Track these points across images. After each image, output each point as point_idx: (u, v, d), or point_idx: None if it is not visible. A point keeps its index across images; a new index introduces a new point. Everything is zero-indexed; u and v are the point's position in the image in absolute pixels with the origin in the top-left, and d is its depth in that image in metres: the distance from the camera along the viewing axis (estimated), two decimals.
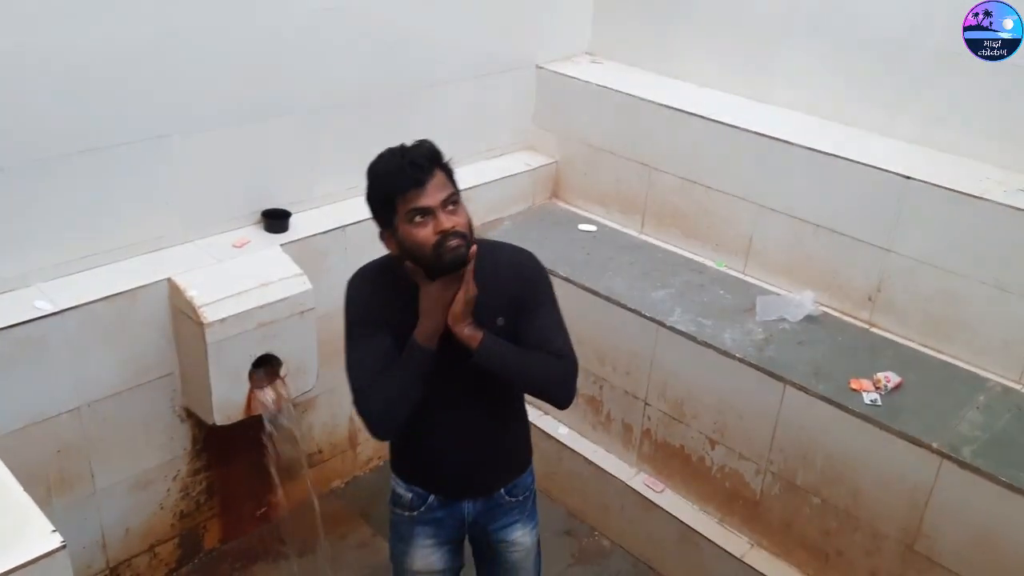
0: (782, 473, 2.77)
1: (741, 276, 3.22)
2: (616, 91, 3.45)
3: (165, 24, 2.49)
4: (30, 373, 2.40)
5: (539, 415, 3.46)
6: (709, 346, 2.82)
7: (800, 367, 2.70)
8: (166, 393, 2.73)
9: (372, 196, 1.88)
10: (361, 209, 3.08)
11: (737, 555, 2.89)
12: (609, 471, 3.22)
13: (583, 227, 3.55)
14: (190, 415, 2.80)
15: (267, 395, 2.71)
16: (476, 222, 3.56)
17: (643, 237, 3.50)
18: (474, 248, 1.82)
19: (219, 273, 2.64)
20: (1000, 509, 2.31)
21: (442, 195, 1.80)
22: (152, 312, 2.60)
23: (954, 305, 2.74)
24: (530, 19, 3.59)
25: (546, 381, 1.93)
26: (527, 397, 2.17)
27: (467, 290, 1.83)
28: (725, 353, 2.79)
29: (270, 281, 2.66)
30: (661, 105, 3.32)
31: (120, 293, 2.52)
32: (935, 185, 2.69)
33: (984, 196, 2.61)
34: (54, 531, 1.41)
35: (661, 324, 2.94)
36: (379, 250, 1.97)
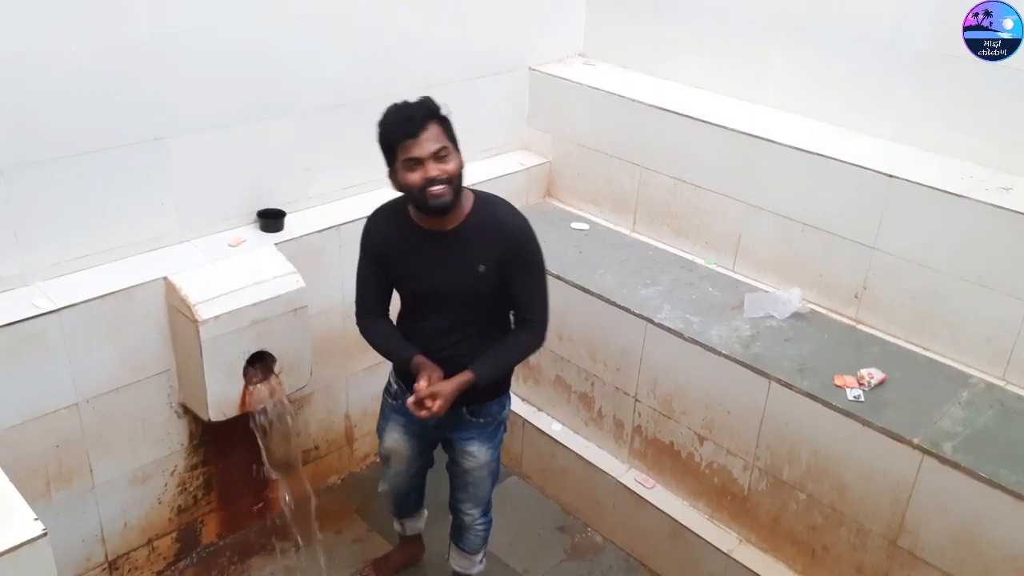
0: (769, 469, 2.80)
1: (730, 274, 3.26)
2: (608, 92, 3.49)
3: (162, 27, 2.55)
4: (30, 369, 2.46)
5: (533, 411, 3.51)
6: (696, 343, 2.86)
7: (786, 364, 2.73)
8: (163, 389, 2.78)
9: (380, 142, 2.22)
10: (355, 208, 3.14)
11: (726, 550, 2.92)
12: (601, 467, 3.26)
13: (576, 225, 3.59)
14: (187, 411, 2.85)
15: (262, 391, 2.76)
16: None
17: (635, 235, 3.54)
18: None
19: (214, 272, 2.70)
20: (981, 505, 2.33)
21: (434, 147, 2.14)
22: (149, 310, 2.65)
23: (938, 302, 2.76)
24: (523, 22, 3.64)
25: (525, 357, 2.46)
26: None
27: (439, 409, 2.23)
28: (712, 350, 2.82)
29: (264, 279, 2.71)
30: (652, 106, 3.36)
31: (117, 291, 2.57)
32: (919, 184, 2.72)
33: (967, 194, 2.64)
34: (36, 519, 1.46)
35: (650, 321, 2.98)
36: None
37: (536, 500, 3.48)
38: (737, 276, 3.24)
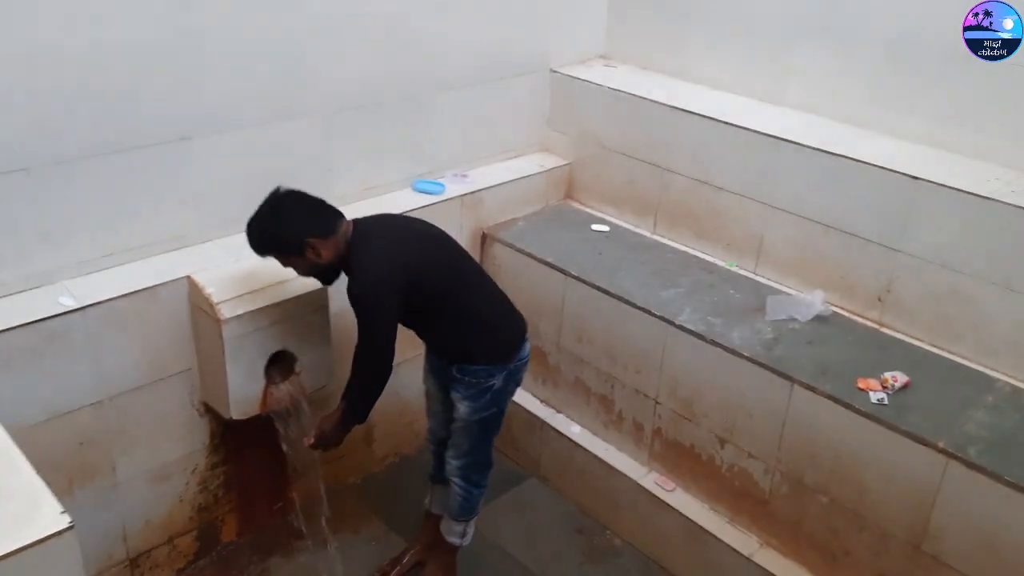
0: (790, 472, 2.78)
1: (752, 276, 3.24)
2: (629, 94, 3.49)
3: (186, 27, 2.56)
4: (54, 367, 2.47)
5: (552, 413, 3.51)
6: (718, 345, 2.85)
7: (808, 366, 2.71)
8: (185, 388, 2.80)
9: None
10: (377, 209, 3.14)
11: (746, 554, 2.90)
12: (620, 470, 3.25)
13: (596, 227, 3.58)
14: (208, 410, 2.87)
15: (283, 390, 2.77)
16: (491, 221, 3.67)
17: (655, 237, 3.53)
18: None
19: (237, 271, 2.71)
20: (1006, 510, 2.31)
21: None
22: (172, 309, 2.67)
23: (963, 305, 2.74)
24: (545, 24, 3.64)
25: (357, 374, 2.59)
26: None
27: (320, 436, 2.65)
28: (733, 352, 2.81)
29: (286, 279, 2.71)
30: (673, 108, 3.35)
31: (141, 290, 2.59)
32: (944, 186, 2.70)
33: (993, 196, 2.62)
34: (63, 512, 1.47)
35: (671, 323, 2.96)
36: None
37: (555, 502, 3.48)
38: (758, 278, 3.23)
